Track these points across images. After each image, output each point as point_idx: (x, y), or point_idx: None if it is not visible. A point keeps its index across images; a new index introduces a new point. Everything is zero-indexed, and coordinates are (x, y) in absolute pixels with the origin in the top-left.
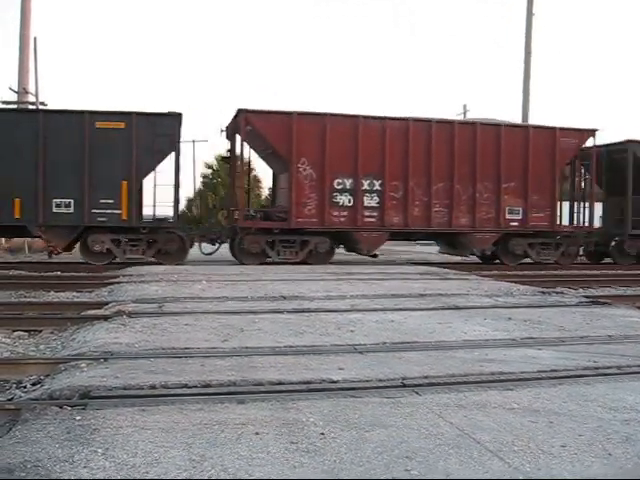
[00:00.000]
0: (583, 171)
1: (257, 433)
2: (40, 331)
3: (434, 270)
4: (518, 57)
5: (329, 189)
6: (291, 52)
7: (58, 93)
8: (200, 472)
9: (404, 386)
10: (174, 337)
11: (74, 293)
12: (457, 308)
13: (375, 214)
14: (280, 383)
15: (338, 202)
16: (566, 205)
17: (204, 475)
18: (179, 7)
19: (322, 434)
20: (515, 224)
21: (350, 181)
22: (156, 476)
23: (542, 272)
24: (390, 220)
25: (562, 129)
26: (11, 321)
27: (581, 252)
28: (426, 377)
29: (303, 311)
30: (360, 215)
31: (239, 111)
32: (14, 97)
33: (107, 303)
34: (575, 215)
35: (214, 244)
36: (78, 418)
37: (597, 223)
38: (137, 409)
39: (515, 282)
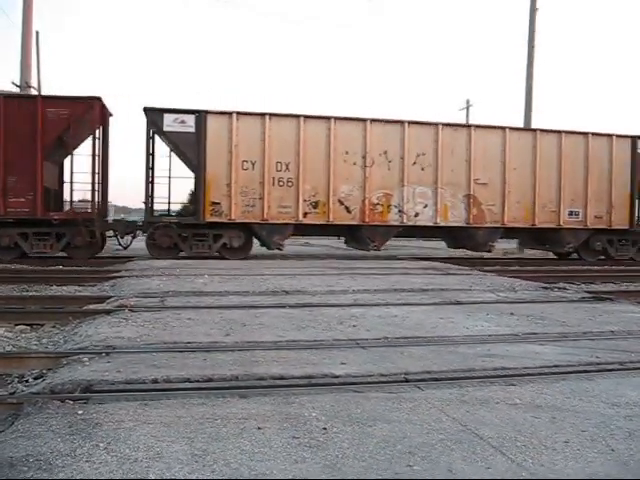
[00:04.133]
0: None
1: (259, 428)
2: (42, 325)
3: (436, 265)
4: (522, 52)
5: None
6: (299, 51)
7: (60, 87)
8: (202, 466)
9: (406, 381)
10: (176, 331)
11: (76, 287)
12: (459, 303)
13: None
14: (282, 378)
15: None
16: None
17: (206, 469)
18: (181, 6)
19: (324, 429)
20: None
21: None
22: (158, 470)
23: (545, 267)
24: None
25: (46, 97)
26: (13, 315)
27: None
28: (428, 372)
29: (305, 305)
30: None
31: None
32: (16, 91)
33: (109, 297)
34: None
35: None
36: (80, 412)
37: None
38: (139, 403)
39: (517, 277)
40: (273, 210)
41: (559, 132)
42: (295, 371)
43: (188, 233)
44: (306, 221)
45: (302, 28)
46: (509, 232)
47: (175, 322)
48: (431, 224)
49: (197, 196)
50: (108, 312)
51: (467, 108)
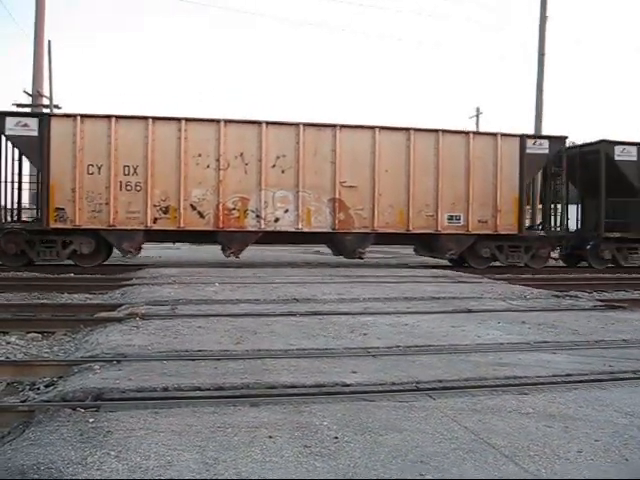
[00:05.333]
0: None
1: (270, 436)
2: (53, 333)
3: (447, 273)
4: (533, 59)
5: None
6: (305, 56)
7: (73, 96)
8: (213, 475)
9: (418, 390)
10: (187, 339)
11: (87, 295)
12: (470, 311)
13: None
14: (293, 386)
15: None
16: None
17: (217, 478)
18: (188, 18)
19: (336, 438)
20: None
21: None
22: (169, 479)
23: (556, 275)
24: None
25: None
26: (25, 322)
27: None
28: (440, 381)
29: (316, 314)
30: None
31: None
32: (29, 100)
33: (120, 305)
34: None
35: None
36: (91, 420)
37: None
38: (150, 411)
39: (528, 285)
40: (121, 215)
41: (436, 131)
42: (306, 380)
43: (36, 239)
44: (156, 227)
45: (306, 32)
46: (382, 238)
47: (186, 330)
48: (293, 229)
49: (42, 201)
50: (119, 320)
51: (477, 116)
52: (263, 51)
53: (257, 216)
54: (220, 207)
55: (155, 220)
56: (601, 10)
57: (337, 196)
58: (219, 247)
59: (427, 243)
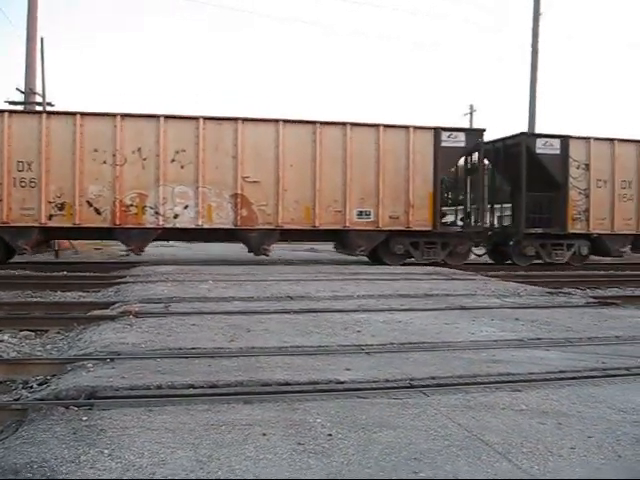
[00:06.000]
0: None
1: (264, 434)
2: (46, 331)
3: (440, 270)
4: (527, 56)
5: None
6: (304, 55)
7: (65, 94)
8: (207, 473)
9: (411, 387)
10: (181, 337)
11: (80, 293)
12: (464, 308)
13: None
14: (287, 384)
15: None
16: None
17: (211, 476)
18: (186, 18)
19: (329, 435)
20: None
21: None
22: (162, 477)
23: (549, 272)
24: None
25: None
26: (18, 321)
27: None
28: (433, 378)
29: (310, 311)
30: None
31: None
32: (21, 97)
33: (113, 303)
34: None
35: None
36: (84, 418)
37: None
38: (144, 409)
39: (522, 282)
40: (15, 212)
41: (344, 124)
42: (300, 377)
43: None
44: (51, 224)
45: (303, 31)
46: (288, 234)
47: (179, 328)
48: (193, 226)
49: None
50: (112, 318)
51: (471, 113)
52: (259, 50)
53: (156, 212)
54: (117, 203)
55: (50, 217)
56: (596, 6)
57: (240, 191)
58: (213, 245)
59: (337, 239)
